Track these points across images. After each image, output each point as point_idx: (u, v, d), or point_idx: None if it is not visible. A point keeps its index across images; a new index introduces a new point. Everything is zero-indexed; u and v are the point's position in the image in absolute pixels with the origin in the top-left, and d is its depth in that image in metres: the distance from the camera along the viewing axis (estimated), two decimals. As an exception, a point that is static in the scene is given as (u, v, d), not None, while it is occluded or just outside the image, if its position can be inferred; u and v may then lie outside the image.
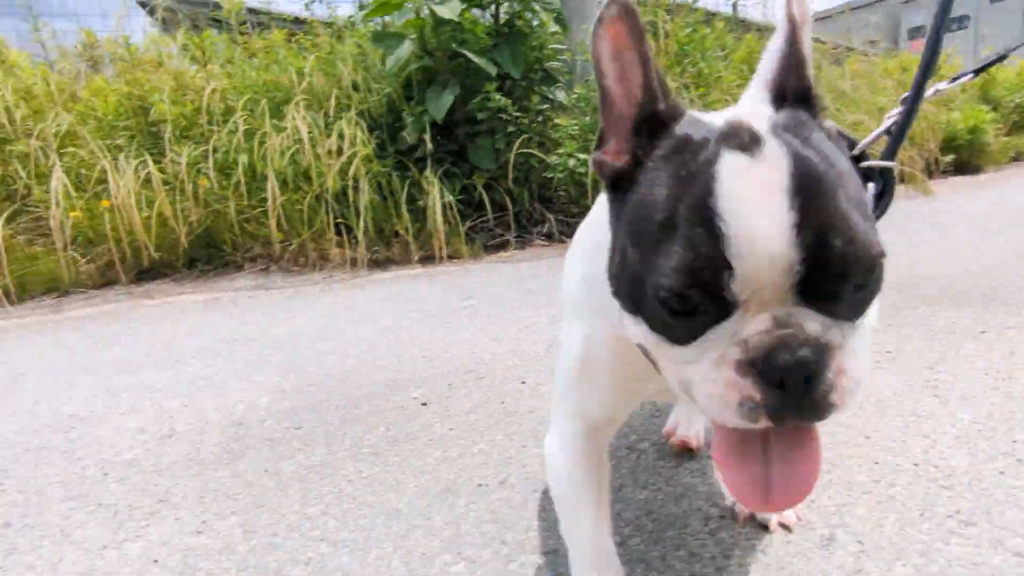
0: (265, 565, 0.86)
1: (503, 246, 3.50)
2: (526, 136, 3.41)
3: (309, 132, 3.16)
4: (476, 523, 0.92)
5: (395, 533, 0.91)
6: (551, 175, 3.47)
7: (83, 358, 1.99)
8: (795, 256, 0.40)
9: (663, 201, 0.44)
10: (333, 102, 3.34)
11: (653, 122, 0.49)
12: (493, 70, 3.31)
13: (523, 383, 1.46)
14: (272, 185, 3.11)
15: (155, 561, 0.89)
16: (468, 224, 3.41)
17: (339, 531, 0.93)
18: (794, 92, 0.50)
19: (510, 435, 1.20)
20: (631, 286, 0.47)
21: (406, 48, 3.39)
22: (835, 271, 0.41)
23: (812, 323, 0.42)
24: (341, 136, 3.20)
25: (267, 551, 0.90)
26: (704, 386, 0.45)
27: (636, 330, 0.49)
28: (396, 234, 3.41)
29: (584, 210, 0.96)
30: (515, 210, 3.53)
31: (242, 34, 4.59)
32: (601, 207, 0.69)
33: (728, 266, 0.40)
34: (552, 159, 3.43)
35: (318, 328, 2.13)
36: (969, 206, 4.04)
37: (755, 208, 0.40)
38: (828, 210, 0.41)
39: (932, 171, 5.49)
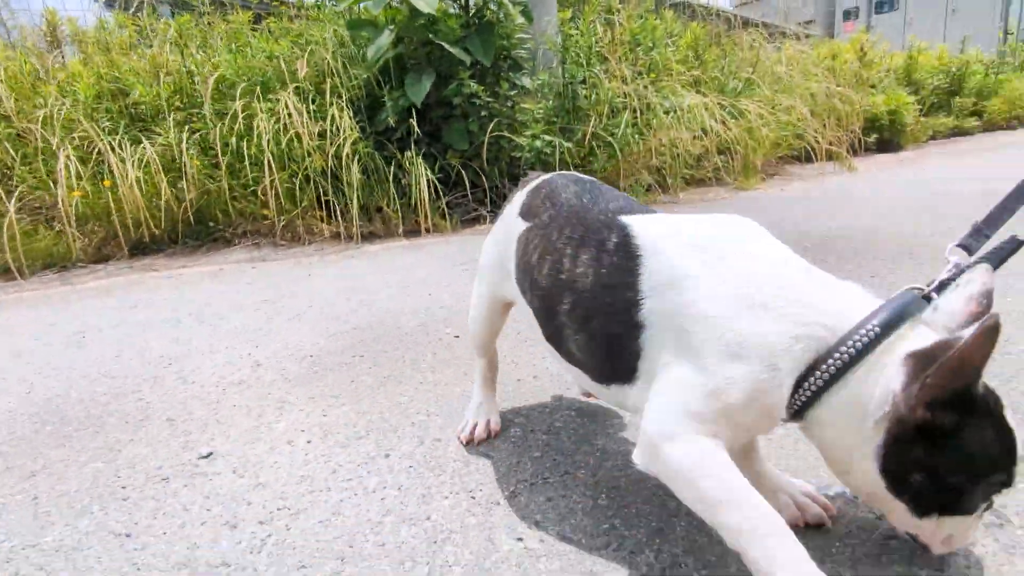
0: (385, 428, 1.25)
1: (477, 220, 3.88)
2: (497, 120, 3.78)
3: (301, 116, 3.43)
4: (526, 399, 1.33)
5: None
6: (519, 155, 3.86)
7: (129, 320, 2.25)
8: None
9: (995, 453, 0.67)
10: (327, 87, 3.60)
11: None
12: (467, 59, 3.65)
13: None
14: (268, 165, 3.38)
15: (301, 431, 1.26)
16: (446, 200, 3.77)
17: (428, 409, 1.32)
18: None
19: (531, 352, 1.61)
20: (949, 487, 0.68)
21: (386, 38, 3.68)
22: None
23: None
24: (332, 120, 3.48)
25: (382, 420, 1.28)
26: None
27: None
28: (379, 209, 3.74)
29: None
30: (488, 186, 3.90)
31: (204, 15, 4.71)
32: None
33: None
34: (521, 140, 3.81)
35: (335, 289, 2.47)
36: (888, 181, 4.68)
37: None
38: None
39: (857, 150, 6.16)
